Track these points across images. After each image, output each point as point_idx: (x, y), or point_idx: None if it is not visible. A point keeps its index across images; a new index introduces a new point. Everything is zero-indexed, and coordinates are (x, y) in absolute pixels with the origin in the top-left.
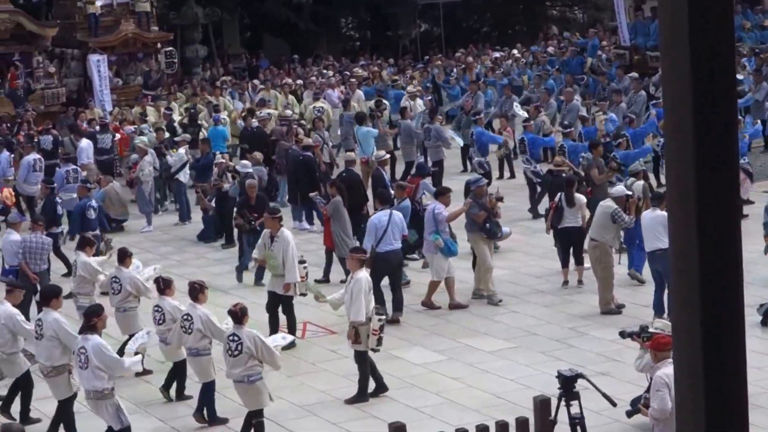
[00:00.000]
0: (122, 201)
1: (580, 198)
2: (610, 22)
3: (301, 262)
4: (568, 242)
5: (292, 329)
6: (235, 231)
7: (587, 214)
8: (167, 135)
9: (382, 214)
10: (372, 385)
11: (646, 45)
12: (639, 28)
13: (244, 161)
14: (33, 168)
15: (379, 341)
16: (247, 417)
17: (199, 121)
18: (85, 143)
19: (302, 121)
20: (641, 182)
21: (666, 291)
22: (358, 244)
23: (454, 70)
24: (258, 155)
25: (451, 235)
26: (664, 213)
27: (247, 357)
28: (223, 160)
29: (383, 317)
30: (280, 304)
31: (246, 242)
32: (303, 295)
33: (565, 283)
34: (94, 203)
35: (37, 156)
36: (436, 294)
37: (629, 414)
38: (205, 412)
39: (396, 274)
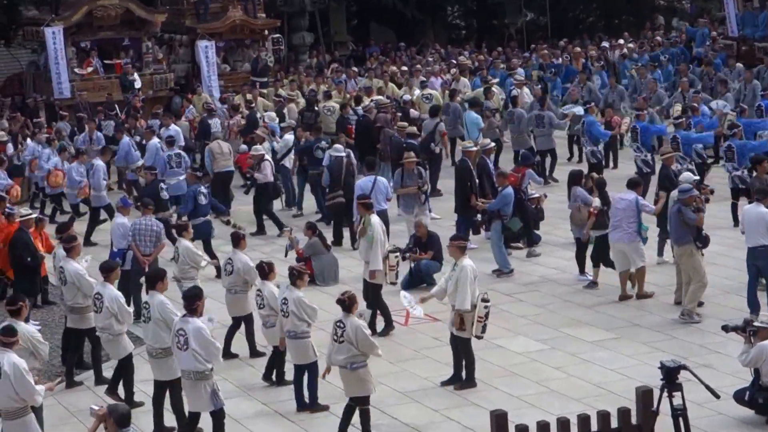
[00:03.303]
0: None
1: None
2: (717, 12)
3: (393, 251)
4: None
5: (387, 318)
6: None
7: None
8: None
9: (368, 179)
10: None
11: (755, 36)
12: (748, 18)
13: (337, 146)
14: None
15: (484, 328)
16: (347, 404)
17: (316, 107)
18: (175, 129)
19: (411, 108)
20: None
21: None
22: None
23: (560, 59)
24: (343, 139)
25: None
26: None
27: (350, 345)
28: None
29: (489, 304)
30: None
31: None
32: (393, 284)
33: (594, 284)
34: (204, 189)
35: (159, 141)
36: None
37: None
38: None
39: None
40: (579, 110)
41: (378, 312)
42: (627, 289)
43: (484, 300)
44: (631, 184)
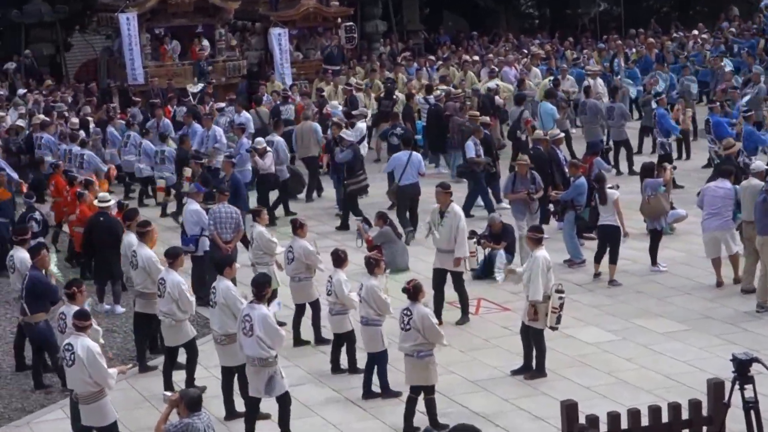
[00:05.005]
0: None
1: (612, 194)
2: None
3: (470, 237)
4: (604, 240)
5: (464, 305)
6: None
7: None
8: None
9: (403, 153)
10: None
11: None
12: None
13: (347, 131)
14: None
15: (558, 319)
16: (409, 396)
17: (394, 96)
18: (245, 116)
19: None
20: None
21: None
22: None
23: (633, 50)
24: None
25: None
26: None
27: (417, 332)
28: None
29: (563, 295)
30: (445, 281)
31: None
32: (472, 270)
33: (597, 274)
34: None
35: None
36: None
37: None
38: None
39: (415, 200)
40: (633, 92)
41: (438, 301)
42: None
43: (559, 291)
44: (725, 173)
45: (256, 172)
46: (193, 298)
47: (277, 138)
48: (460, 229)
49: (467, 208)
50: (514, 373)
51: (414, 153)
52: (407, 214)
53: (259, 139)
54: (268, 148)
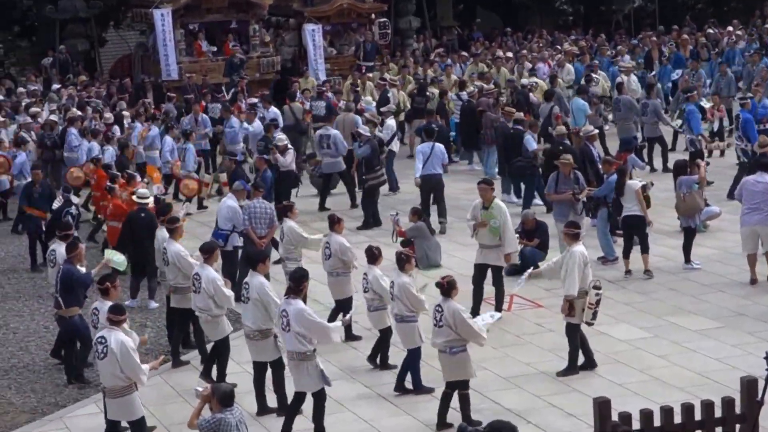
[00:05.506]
0: None
1: (632, 185)
2: None
3: (517, 232)
4: (629, 232)
5: (499, 302)
6: None
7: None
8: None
9: (426, 145)
10: (581, 359)
11: None
12: None
13: (364, 126)
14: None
15: (595, 315)
16: (444, 390)
17: (427, 92)
18: (274, 111)
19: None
20: None
21: None
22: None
23: (667, 46)
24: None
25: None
26: None
27: (449, 329)
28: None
29: (600, 292)
30: (485, 276)
31: None
32: (514, 266)
33: (628, 272)
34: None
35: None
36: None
37: None
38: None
39: (438, 191)
40: (674, 124)
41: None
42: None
43: (596, 287)
44: (764, 167)
45: (277, 169)
46: (230, 293)
47: (333, 131)
48: (506, 225)
49: (527, 202)
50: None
51: (437, 144)
52: (437, 206)
53: (281, 136)
54: (289, 146)
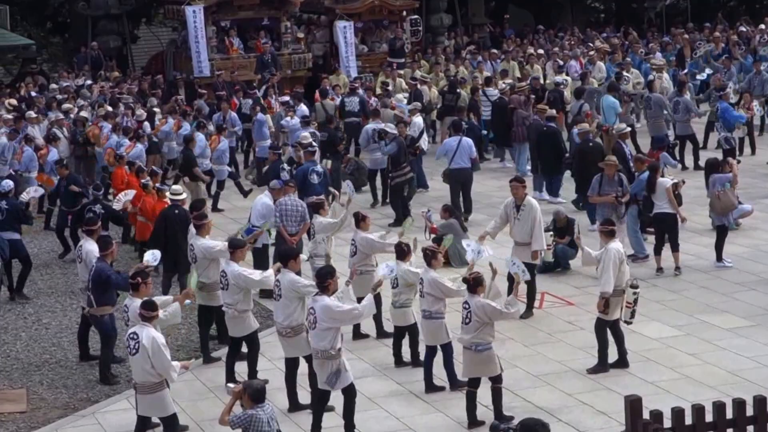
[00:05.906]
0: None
1: (663, 183)
2: None
3: (547, 230)
4: (661, 229)
5: (531, 300)
6: None
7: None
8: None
9: (453, 139)
10: (614, 357)
11: None
12: None
13: (391, 124)
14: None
15: (633, 314)
16: (469, 386)
17: (458, 89)
18: (303, 108)
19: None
20: None
21: None
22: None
23: (700, 44)
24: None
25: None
26: None
27: (477, 325)
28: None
29: (638, 290)
30: None
31: None
32: (548, 263)
33: (660, 269)
34: (318, 168)
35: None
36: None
37: None
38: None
39: (466, 185)
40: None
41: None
42: None
43: (633, 286)
44: None
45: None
46: (259, 276)
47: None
48: (537, 222)
49: (577, 201)
50: (612, 366)
51: (464, 138)
52: (463, 200)
53: (305, 134)
54: (314, 143)
